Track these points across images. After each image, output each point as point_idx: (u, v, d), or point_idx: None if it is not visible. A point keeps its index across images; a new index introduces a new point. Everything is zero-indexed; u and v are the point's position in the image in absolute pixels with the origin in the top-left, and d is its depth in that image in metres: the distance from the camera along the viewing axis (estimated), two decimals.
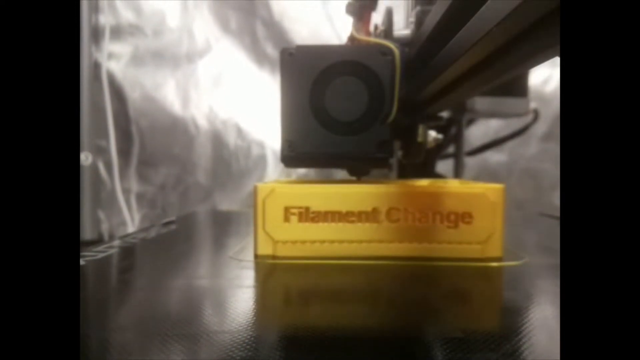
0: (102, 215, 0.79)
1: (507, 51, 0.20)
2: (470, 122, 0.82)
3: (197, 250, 0.37)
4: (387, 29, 0.34)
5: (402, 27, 0.34)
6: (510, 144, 0.84)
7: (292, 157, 0.32)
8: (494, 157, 0.84)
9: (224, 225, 0.50)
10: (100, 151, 0.79)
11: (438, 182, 0.38)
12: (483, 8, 0.19)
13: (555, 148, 0.83)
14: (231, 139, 0.82)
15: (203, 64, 0.82)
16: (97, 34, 0.78)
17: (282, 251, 0.30)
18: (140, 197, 0.81)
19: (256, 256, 0.31)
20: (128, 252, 0.34)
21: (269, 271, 0.29)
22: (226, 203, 0.83)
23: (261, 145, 0.83)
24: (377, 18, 0.38)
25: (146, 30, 0.80)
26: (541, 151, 0.84)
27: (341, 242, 0.30)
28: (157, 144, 0.81)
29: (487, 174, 0.84)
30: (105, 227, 0.80)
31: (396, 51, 0.30)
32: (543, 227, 0.50)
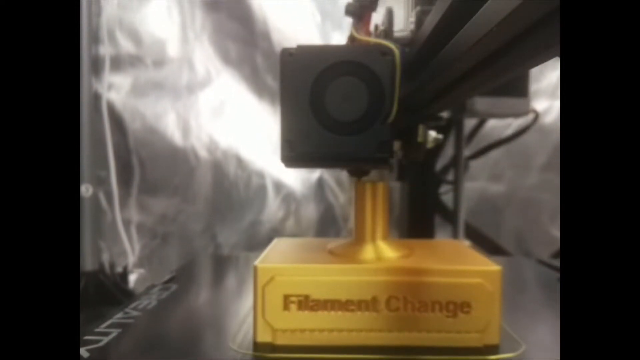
0: (102, 244, 0.80)
1: (507, 51, 0.20)
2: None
3: (197, 334, 0.36)
4: (387, 29, 0.34)
5: (402, 27, 0.34)
6: (509, 174, 0.84)
7: (292, 157, 0.32)
8: (493, 187, 0.84)
9: (226, 284, 0.50)
10: (101, 181, 0.79)
11: (436, 249, 0.37)
12: (483, 8, 0.19)
13: (554, 178, 0.83)
14: (231, 169, 0.83)
15: (203, 94, 0.82)
16: (97, 65, 0.78)
17: (282, 339, 0.30)
18: (140, 227, 0.82)
19: (255, 344, 0.31)
20: (129, 335, 0.34)
21: None
22: (226, 233, 0.83)
23: (261, 175, 0.83)
24: (377, 18, 0.38)
25: (146, 61, 0.81)
26: (540, 181, 0.84)
27: (340, 330, 0.30)
28: (157, 174, 0.82)
29: (487, 205, 0.84)
30: (105, 257, 0.80)
31: (396, 51, 0.30)
32: (542, 287, 0.48)
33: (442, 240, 0.45)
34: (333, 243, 0.36)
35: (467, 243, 0.73)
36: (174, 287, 0.45)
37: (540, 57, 0.20)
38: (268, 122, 0.83)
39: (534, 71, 0.71)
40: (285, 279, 0.30)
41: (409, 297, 0.30)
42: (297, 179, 0.83)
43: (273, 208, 0.83)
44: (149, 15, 0.80)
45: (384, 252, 0.33)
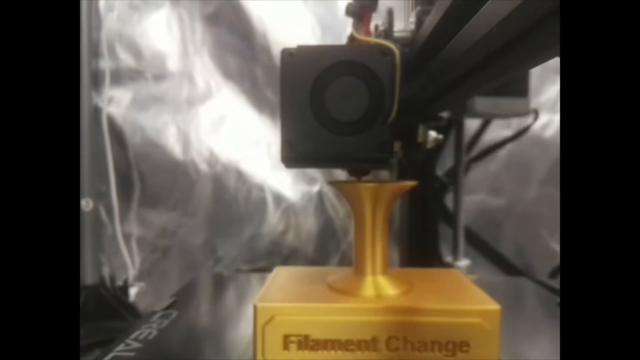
0: (103, 258, 0.81)
1: (507, 51, 0.20)
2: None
3: None
4: (388, 29, 0.34)
5: (402, 28, 0.34)
6: (509, 188, 0.85)
7: (291, 157, 0.32)
8: (493, 201, 0.85)
9: (226, 310, 0.49)
10: (101, 195, 0.80)
11: (437, 279, 0.37)
12: (483, 8, 0.19)
13: (554, 192, 0.83)
14: (231, 183, 0.83)
15: (204, 108, 0.83)
16: (97, 79, 0.79)
17: None
18: (140, 241, 0.82)
19: None
20: None
21: None
22: (226, 247, 0.84)
23: (261, 189, 0.83)
24: (377, 18, 0.38)
25: (147, 75, 0.81)
26: (540, 195, 0.84)
27: None
28: (157, 187, 0.82)
29: (486, 218, 0.84)
30: (106, 270, 0.81)
31: (397, 51, 0.30)
32: (541, 312, 0.48)
33: (442, 270, 0.45)
34: (333, 275, 0.36)
35: (467, 263, 0.73)
36: (174, 314, 0.44)
37: (540, 57, 0.20)
38: (268, 135, 0.83)
39: (534, 85, 0.71)
40: (285, 319, 0.30)
41: (408, 337, 0.30)
42: (297, 192, 0.83)
43: (273, 221, 0.84)
44: (149, 29, 0.81)
45: (384, 288, 0.33)
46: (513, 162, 0.84)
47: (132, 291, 0.79)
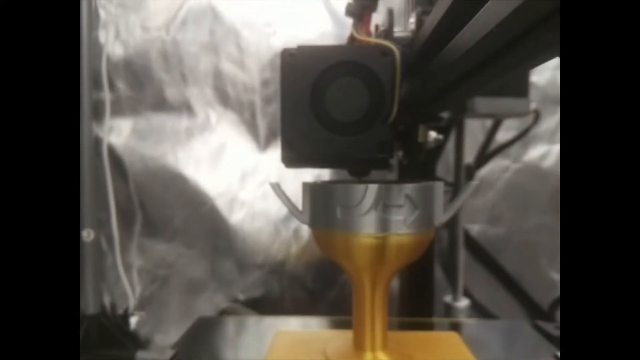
0: (103, 287, 0.82)
1: (507, 51, 0.20)
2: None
3: None
4: (388, 30, 0.34)
5: (402, 28, 0.34)
6: (508, 217, 0.85)
7: (292, 157, 0.32)
8: (492, 230, 0.85)
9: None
10: (102, 224, 0.81)
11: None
12: (483, 8, 0.19)
13: (552, 221, 0.84)
14: (230, 212, 0.84)
15: (203, 138, 0.83)
16: (97, 109, 0.80)
17: None
18: (140, 270, 0.83)
19: None
20: None
21: None
22: (226, 276, 0.84)
23: (260, 219, 0.84)
24: (377, 18, 0.38)
25: (147, 105, 0.82)
26: (539, 224, 0.84)
27: None
28: (157, 217, 0.83)
29: (486, 247, 0.85)
30: (107, 299, 0.82)
31: (397, 52, 0.30)
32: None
33: (441, 336, 0.44)
34: (332, 345, 0.36)
35: (466, 303, 0.73)
36: None
37: (540, 57, 0.20)
38: (267, 165, 0.83)
39: (534, 114, 0.72)
40: None
41: None
42: (296, 222, 0.83)
43: (272, 251, 0.84)
44: (150, 60, 0.82)
45: None
46: (512, 192, 0.85)
47: (133, 320, 0.80)
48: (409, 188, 0.29)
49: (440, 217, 0.30)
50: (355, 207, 0.29)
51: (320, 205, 0.31)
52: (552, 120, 0.83)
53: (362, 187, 0.29)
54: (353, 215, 0.29)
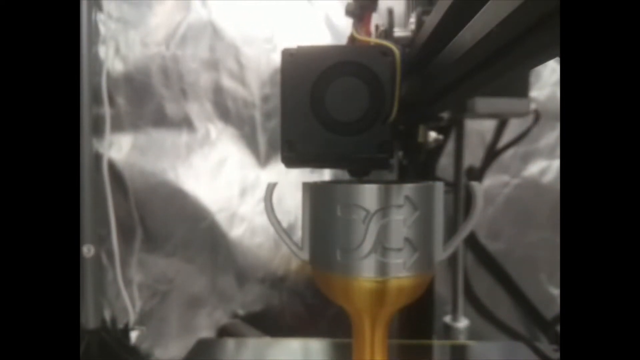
0: (104, 301, 0.82)
1: (507, 51, 0.20)
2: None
3: None
4: (388, 30, 0.34)
5: (402, 28, 0.34)
6: (508, 232, 0.85)
7: (292, 157, 0.32)
8: (492, 245, 0.85)
9: None
10: (102, 240, 0.81)
11: None
12: (483, 8, 0.19)
13: (552, 237, 0.84)
14: (230, 227, 0.84)
15: (203, 153, 0.83)
16: (97, 125, 0.80)
17: None
18: (141, 285, 0.83)
19: None
20: None
21: None
22: (226, 291, 0.84)
23: (260, 233, 0.84)
24: (377, 18, 0.38)
25: (147, 120, 0.82)
26: (539, 240, 0.84)
27: None
28: (157, 233, 0.83)
29: (484, 263, 0.85)
30: (107, 314, 0.82)
31: (397, 52, 0.30)
32: None
33: None
34: None
35: (466, 324, 0.73)
36: None
37: (540, 57, 0.20)
38: (267, 181, 0.83)
39: (533, 132, 0.72)
40: None
41: None
42: (297, 238, 0.83)
43: (272, 266, 0.84)
44: (150, 75, 0.82)
45: None
46: (511, 207, 0.85)
47: (133, 335, 0.81)
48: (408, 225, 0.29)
49: (440, 255, 0.31)
50: (355, 250, 0.29)
51: (320, 245, 0.31)
52: (551, 136, 0.83)
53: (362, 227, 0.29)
54: (353, 259, 0.29)
